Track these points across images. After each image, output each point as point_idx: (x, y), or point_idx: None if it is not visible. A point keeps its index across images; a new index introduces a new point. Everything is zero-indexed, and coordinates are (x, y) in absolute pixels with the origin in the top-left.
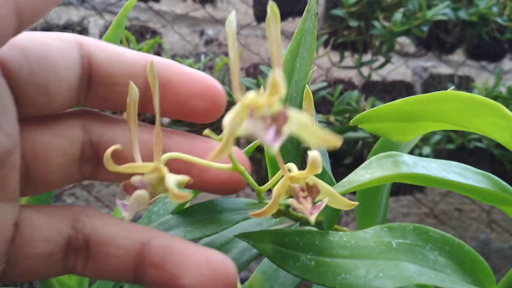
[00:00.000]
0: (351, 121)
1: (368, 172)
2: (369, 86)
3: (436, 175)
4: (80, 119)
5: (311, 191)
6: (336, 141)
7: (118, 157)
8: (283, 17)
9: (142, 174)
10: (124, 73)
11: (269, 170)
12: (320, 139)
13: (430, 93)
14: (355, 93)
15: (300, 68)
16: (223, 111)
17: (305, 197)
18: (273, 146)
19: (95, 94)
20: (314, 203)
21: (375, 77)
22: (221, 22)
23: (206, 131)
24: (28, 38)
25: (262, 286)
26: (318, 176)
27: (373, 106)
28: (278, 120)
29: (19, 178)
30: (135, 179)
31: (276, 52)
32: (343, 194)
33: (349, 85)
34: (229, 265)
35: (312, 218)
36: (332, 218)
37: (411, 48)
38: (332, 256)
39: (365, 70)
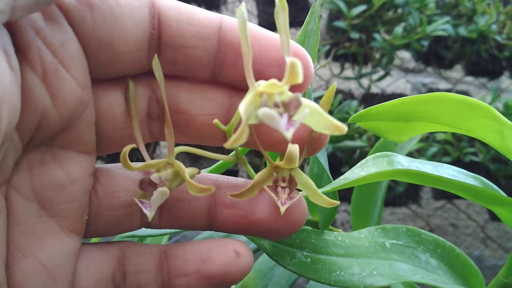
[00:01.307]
0: (349, 119)
1: (363, 170)
2: (368, 98)
3: (430, 172)
4: (145, 77)
5: (291, 183)
6: (343, 127)
7: (184, 119)
8: None
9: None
10: (194, 34)
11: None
12: (330, 125)
13: (425, 94)
14: (354, 102)
15: None
16: (308, 85)
17: (283, 188)
18: (288, 133)
19: (165, 57)
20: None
21: (375, 89)
22: None
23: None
24: None
25: (257, 284)
26: (317, 172)
27: None
28: (290, 107)
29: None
30: (155, 177)
31: (285, 41)
32: (339, 191)
33: (348, 95)
34: (299, 200)
35: (283, 209)
36: (328, 219)
37: (411, 64)
38: (328, 254)
39: (364, 83)
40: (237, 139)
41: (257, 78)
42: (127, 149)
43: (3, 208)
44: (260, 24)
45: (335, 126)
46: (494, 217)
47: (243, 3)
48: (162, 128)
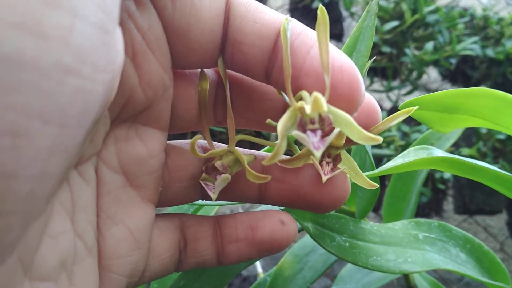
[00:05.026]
0: (400, 105)
1: (405, 160)
2: (396, 110)
3: (469, 161)
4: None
5: (336, 160)
6: (378, 138)
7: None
8: None
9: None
10: (252, 31)
11: None
12: (364, 137)
13: (468, 88)
14: (383, 113)
15: (357, 61)
16: (358, 102)
17: (328, 162)
18: (317, 152)
19: (226, 53)
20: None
21: (401, 103)
22: None
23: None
24: None
25: (293, 267)
26: (358, 163)
27: (398, 128)
28: (325, 123)
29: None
30: (218, 164)
31: (325, 57)
32: (380, 177)
33: None
34: (341, 175)
35: (324, 178)
36: (365, 210)
37: (435, 84)
38: (364, 241)
39: (392, 96)
40: (274, 156)
41: (292, 84)
42: (195, 139)
43: (93, 178)
44: None
45: (369, 138)
46: None
47: (288, 17)
48: (225, 113)
